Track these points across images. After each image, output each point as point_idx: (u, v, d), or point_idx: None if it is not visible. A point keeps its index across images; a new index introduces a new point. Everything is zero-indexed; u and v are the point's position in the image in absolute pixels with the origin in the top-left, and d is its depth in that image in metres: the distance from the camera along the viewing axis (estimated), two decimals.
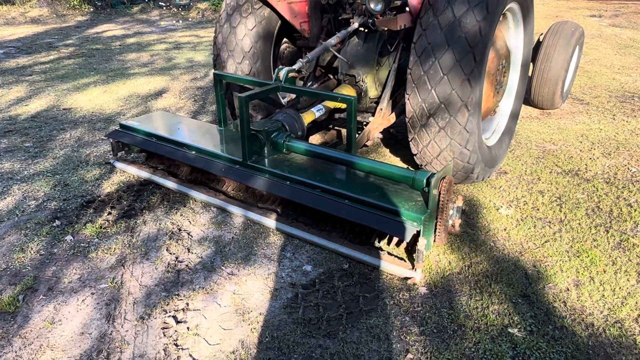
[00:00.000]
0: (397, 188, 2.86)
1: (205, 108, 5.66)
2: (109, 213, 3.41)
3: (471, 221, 3.25)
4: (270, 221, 3.16)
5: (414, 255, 2.61)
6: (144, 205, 3.50)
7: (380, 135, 4.70)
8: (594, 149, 4.44)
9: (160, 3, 13.89)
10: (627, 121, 5.13)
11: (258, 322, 2.41)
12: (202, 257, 2.93)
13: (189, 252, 2.98)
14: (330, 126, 4.36)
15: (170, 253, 2.97)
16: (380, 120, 3.75)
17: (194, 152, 3.48)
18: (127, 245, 3.05)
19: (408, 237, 2.56)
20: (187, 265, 2.85)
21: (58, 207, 3.48)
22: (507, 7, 3.55)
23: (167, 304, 2.54)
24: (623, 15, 12.35)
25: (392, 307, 2.50)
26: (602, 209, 3.40)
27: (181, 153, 3.53)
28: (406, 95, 3.32)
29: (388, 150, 4.45)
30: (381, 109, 3.73)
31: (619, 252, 2.92)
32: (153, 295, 2.61)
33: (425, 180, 2.69)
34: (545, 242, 3.03)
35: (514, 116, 4.18)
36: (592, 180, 3.82)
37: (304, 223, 3.12)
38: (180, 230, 3.21)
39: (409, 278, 2.66)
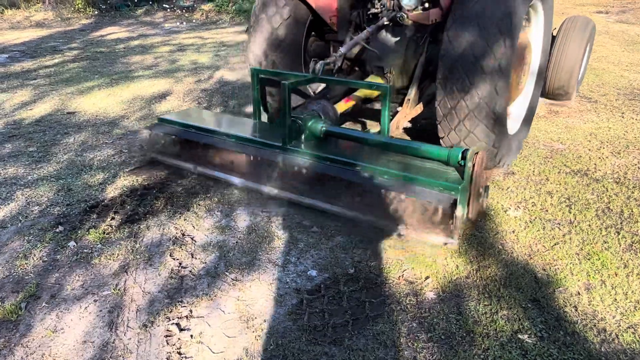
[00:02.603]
0: (432, 165, 3.08)
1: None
2: (113, 218, 3.38)
3: (479, 224, 3.20)
4: (310, 201, 3.31)
5: (451, 223, 2.76)
6: (148, 210, 3.47)
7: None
8: (602, 148, 4.37)
9: (164, 5, 13.89)
10: (636, 119, 5.05)
11: (262, 329, 2.37)
12: (205, 262, 2.89)
13: (192, 257, 2.95)
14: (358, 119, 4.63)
15: (174, 259, 2.93)
16: (408, 110, 3.91)
17: (234, 140, 3.64)
18: (131, 251, 3.02)
19: (447, 205, 2.75)
20: (190, 271, 2.82)
21: (61, 213, 3.46)
22: (531, 2, 3.70)
23: (171, 311, 2.50)
24: (630, 11, 12.23)
25: (399, 312, 2.45)
26: (612, 210, 3.34)
27: (224, 142, 3.67)
28: (437, 80, 3.45)
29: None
30: (409, 99, 3.89)
31: (631, 254, 2.86)
32: (156, 302, 2.58)
33: (460, 155, 2.88)
34: (555, 244, 2.97)
35: (529, 117, 4.28)
36: (602, 180, 3.75)
37: (337, 205, 3.22)
38: (184, 235, 3.17)
39: (445, 244, 2.84)
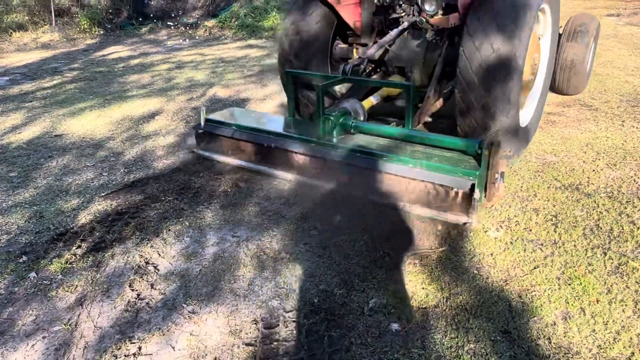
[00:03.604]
0: (452, 154, 3.34)
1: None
2: (79, 246, 3.28)
3: (455, 246, 3.02)
4: (345, 190, 3.55)
5: (470, 205, 3.01)
6: (116, 237, 3.36)
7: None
8: (598, 159, 4.15)
9: (168, 23, 13.95)
10: (637, 127, 4.82)
11: None
12: (165, 293, 2.77)
13: (152, 288, 2.82)
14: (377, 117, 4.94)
15: (133, 290, 2.81)
16: (428, 106, 4.13)
17: (273, 137, 3.92)
18: (90, 281, 2.91)
19: (467, 188, 3.02)
20: (147, 304, 2.69)
21: (28, 242, 3.37)
22: (540, 7, 3.86)
23: (119, 348, 2.38)
24: None
25: (358, 347, 2.29)
26: (601, 228, 3.14)
27: (266, 138, 3.94)
28: (458, 70, 3.62)
29: None
30: (429, 97, 4.10)
31: (616, 277, 2.65)
32: (106, 338, 2.45)
33: (477, 145, 3.17)
34: (535, 268, 2.78)
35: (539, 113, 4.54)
36: (594, 195, 3.55)
37: (367, 192, 3.47)
38: (147, 263, 3.05)
39: (466, 223, 3.07)
